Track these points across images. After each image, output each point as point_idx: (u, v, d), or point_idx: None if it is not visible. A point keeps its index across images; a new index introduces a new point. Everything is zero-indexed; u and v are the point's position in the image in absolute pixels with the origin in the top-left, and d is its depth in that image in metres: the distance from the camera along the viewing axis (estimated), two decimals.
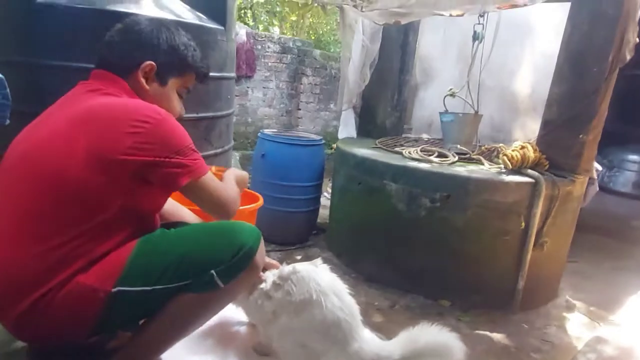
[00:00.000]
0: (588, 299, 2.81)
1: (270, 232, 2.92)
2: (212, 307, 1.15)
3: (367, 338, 1.29)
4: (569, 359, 2.08)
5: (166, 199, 1.26)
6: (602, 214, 4.19)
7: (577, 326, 2.48)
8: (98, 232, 1.04)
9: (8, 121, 1.50)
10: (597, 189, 2.83)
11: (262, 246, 1.17)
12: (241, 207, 1.90)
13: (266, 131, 3.20)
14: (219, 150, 2.16)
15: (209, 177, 1.16)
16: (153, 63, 1.19)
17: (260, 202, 1.92)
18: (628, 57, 2.41)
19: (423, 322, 2.40)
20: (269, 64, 4.47)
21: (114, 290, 1.01)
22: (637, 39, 2.41)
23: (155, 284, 1.05)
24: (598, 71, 2.42)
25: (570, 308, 2.68)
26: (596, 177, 2.72)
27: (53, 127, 1.07)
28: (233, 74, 2.28)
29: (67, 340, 1.09)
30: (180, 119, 1.23)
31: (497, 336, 2.31)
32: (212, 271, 1.07)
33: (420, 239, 2.54)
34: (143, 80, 1.19)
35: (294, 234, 3.16)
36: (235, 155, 3.60)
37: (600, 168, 2.76)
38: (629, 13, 2.33)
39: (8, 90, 1.44)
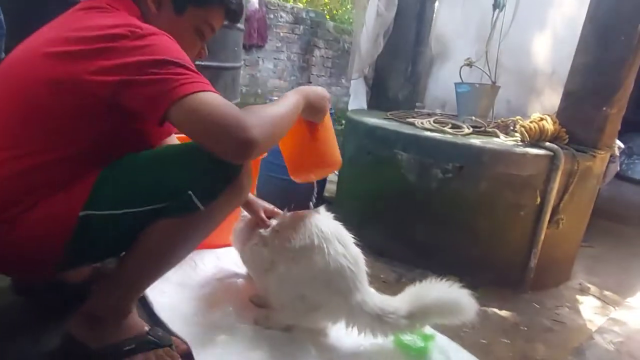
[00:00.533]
0: (602, 283, 2.71)
1: (273, 202, 2.84)
2: (194, 232, 1.03)
3: (372, 291, 1.21)
4: (584, 339, 1.98)
5: (157, 138, 1.15)
6: (619, 201, 4.07)
7: (590, 309, 2.39)
8: (70, 163, 0.94)
9: (3, 55, 1.42)
10: (618, 168, 2.71)
11: (249, 166, 1.04)
12: None
13: (274, 98, 3.11)
14: None
15: (209, 95, 0.88)
16: None
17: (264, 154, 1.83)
18: None
19: None
20: (281, 34, 4.33)
21: (81, 214, 0.91)
22: None
23: (125, 207, 0.95)
24: (625, 40, 2.28)
25: (583, 291, 2.58)
26: (618, 155, 2.60)
27: (30, 45, 0.97)
28: (241, 25, 2.17)
29: (38, 271, 1.01)
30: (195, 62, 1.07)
31: (506, 314, 2.22)
32: (190, 191, 0.95)
33: (430, 211, 2.44)
34: (153, 5, 1.04)
35: (297, 206, 3.07)
36: None
37: (622, 145, 2.64)
38: None
39: (2, 17, 1.35)
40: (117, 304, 1.06)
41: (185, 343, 1.18)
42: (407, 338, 1.24)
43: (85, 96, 0.89)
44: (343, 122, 4.31)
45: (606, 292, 2.58)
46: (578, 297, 2.51)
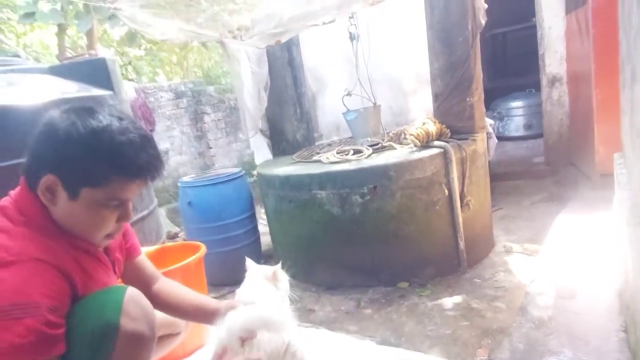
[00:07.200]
0: (520, 238, 3.10)
1: (220, 275, 2.87)
2: None
3: None
4: (523, 295, 2.27)
5: None
6: (507, 161, 4.63)
7: (519, 265, 2.72)
8: None
9: None
10: (496, 141, 3.15)
11: (132, 308, 1.00)
12: (184, 262, 1.86)
13: (185, 179, 3.15)
14: (145, 213, 2.11)
15: None
16: (52, 177, 0.95)
17: (202, 250, 1.89)
18: (483, 22, 2.72)
19: (389, 309, 2.51)
20: (167, 112, 4.35)
21: None
22: (486, 5, 2.73)
23: None
24: (463, 40, 2.70)
25: (508, 251, 2.93)
26: (492, 131, 3.02)
27: None
28: None
29: None
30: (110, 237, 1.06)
31: (457, 299, 2.47)
32: None
33: (362, 235, 2.64)
34: (45, 198, 0.97)
35: (243, 269, 3.13)
36: (162, 213, 3.48)
37: (492, 122, 3.08)
38: None
39: None
40: None
41: None
42: None
43: None
44: (254, 173, 4.44)
45: (526, 245, 2.96)
46: (506, 258, 2.85)
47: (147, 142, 1.00)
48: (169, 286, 1.36)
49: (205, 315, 1.30)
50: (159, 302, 1.30)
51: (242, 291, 1.31)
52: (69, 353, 0.91)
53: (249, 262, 1.43)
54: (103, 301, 0.98)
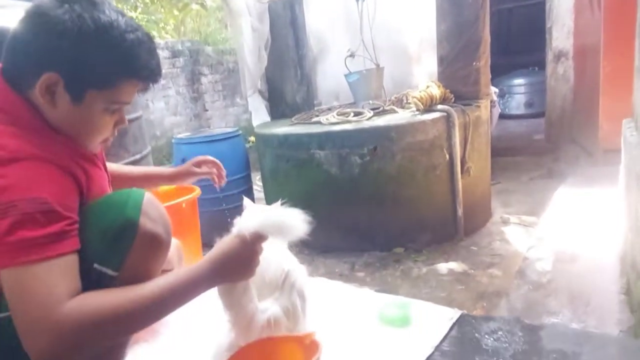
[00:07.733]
0: (517, 210, 3.07)
1: (214, 235, 2.80)
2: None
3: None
4: (520, 261, 2.24)
5: None
6: (507, 137, 4.59)
7: (515, 235, 2.70)
8: None
9: None
10: (500, 110, 3.09)
11: (151, 210, 0.95)
12: (177, 200, 1.80)
13: (180, 136, 3.07)
14: (137, 157, 2.03)
15: (31, 272, 0.77)
16: (55, 76, 0.85)
17: (197, 192, 1.83)
18: None
19: (384, 272, 2.47)
20: (163, 71, 4.19)
21: None
22: None
23: None
24: (474, 1, 2.62)
25: (505, 222, 2.91)
26: (496, 99, 2.96)
27: None
28: None
29: None
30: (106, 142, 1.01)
31: (453, 265, 2.44)
32: (95, 264, 0.88)
33: (360, 196, 2.59)
34: (44, 100, 0.87)
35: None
36: None
37: (497, 90, 3.01)
38: None
39: None
40: None
41: None
42: (389, 312, 1.33)
43: None
44: (250, 139, 4.35)
45: (523, 217, 2.93)
46: (503, 228, 2.82)
47: (152, 43, 0.94)
48: (116, 164, 1.42)
49: (165, 177, 1.48)
50: (116, 175, 1.29)
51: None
52: (84, 251, 0.86)
53: (247, 202, 1.38)
54: (123, 200, 0.94)
